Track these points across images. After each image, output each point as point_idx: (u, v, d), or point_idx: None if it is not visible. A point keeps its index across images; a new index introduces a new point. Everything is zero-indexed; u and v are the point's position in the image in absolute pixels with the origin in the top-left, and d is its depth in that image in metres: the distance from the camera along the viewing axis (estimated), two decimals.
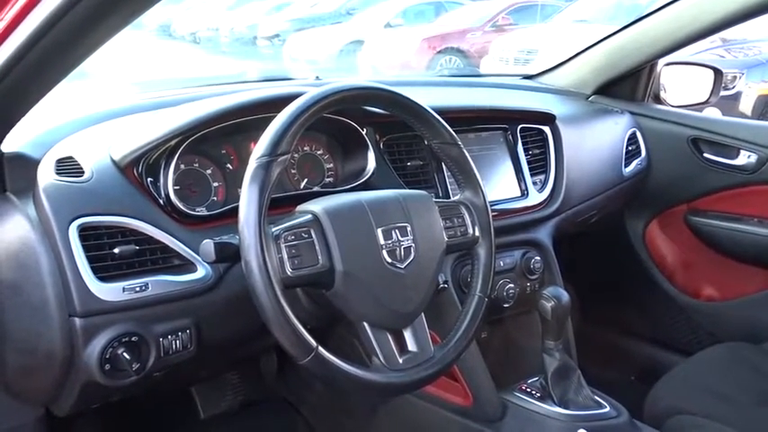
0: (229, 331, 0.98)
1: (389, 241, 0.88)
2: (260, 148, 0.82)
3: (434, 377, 0.89)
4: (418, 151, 1.26)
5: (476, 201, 1.00)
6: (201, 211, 0.99)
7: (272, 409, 1.56)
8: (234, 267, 0.95)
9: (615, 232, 1.88)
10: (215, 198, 1.05)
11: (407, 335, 0.90)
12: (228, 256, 0.82)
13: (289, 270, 0.80)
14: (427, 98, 1.02)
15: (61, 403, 0.94)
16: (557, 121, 1.47)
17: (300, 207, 0.89)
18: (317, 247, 0.83)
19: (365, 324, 0.86)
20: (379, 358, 0.86)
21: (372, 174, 1.16)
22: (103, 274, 0.85)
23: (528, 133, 1.42)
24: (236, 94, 1.04)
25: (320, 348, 0.79)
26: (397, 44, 8.10)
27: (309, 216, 0.85)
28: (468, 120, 1.34)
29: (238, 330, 0.99)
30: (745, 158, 1.67)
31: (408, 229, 0.90)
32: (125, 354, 0.85)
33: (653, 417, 1.26)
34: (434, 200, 0.98)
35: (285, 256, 0.80)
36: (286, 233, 0.81)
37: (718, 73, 1.88)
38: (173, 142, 0.95)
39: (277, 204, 0.97)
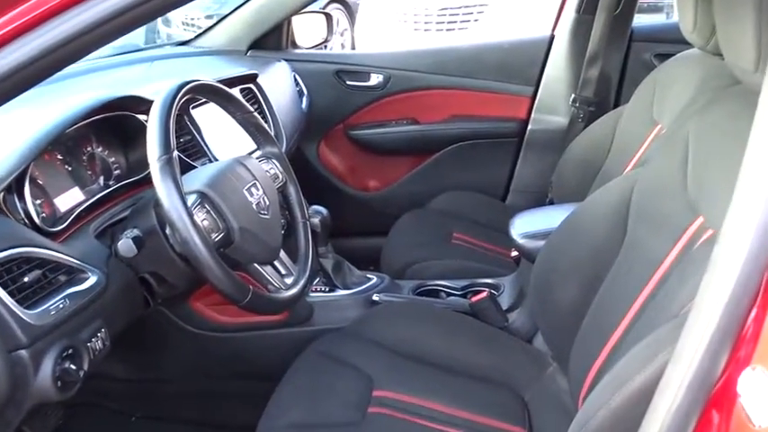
0: (123, 319, 1.08)
1: (252, 197, 1.10)
2: (154, 150, 0.95)
3: (310, 282, 1.18)
4: (183, 127, 1.42)
5: (276, 152, 1.27)
6: (59, 225, 1.04)
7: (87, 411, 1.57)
8: (113, 266, 1.04)
9: (297, 157, 2.28)
10: (45, 214, 1.08)
11: (278, 264, 1.16)
12: (143, 244, 0.96)
13: (210, 239, 0.98)
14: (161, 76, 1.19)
15: None
16: (258, 78, 1.76)
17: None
18: (215, 216, 1.02)
19: (255, 265, 1.09)
20: (273, 285, 1.11)
21: None
22: (27, 303, 0.88)
23: (244, 93, 1.69)
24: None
25: (252, 288, 1.01)
26: None
27: (197, 195, 1.02)
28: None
29: (128, 317, 1.09)
30: (375, 79, 2.23)
31: (258, 184, 1.13)
32: (71, 365, 0.91)
33: (394, 273, 1.75)
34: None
35: (203, 228, 0.97)
36: (194, 211, 0.98)
37: (328, 17, 2.39)
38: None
39: (96, 207, 1.10)
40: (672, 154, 1.06)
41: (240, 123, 1.27)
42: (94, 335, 0.97)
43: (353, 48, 6.10)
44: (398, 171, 2.31)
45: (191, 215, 0.94)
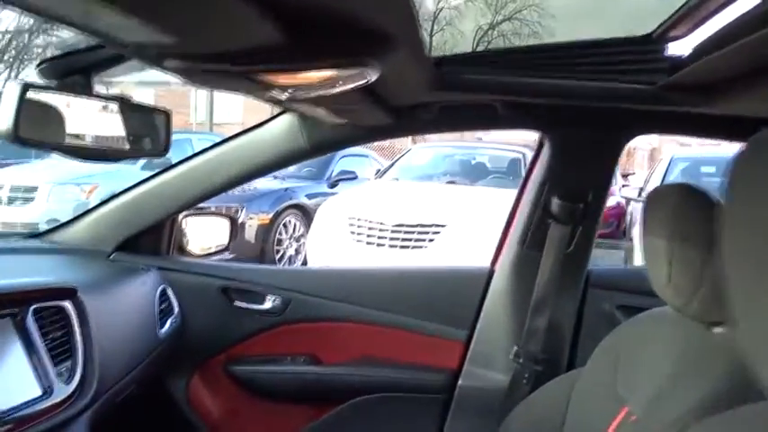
0: None
1: None
2: None
3: None
4: None
5: None
6: None
7: None
8: None
9: (157, 397, 1.72)
10: None
11: None
12: None
13: None
14: None
15: None
16: (78, 294, 1.27)
17: None
18: None
19: None
20: None
21: None
22: None
23: (44, 314, 1.18)
24: None
25: None
26: None
27: None
28: None
29: None
30: (270, 302, 1.76)
31: None
32: None
33: None
34: None
35: None
36: None
37: (233, 221, 1.99)
38: None
39: None
40: None
41: None
42: None
43: (305, 259, 5.73)
44: (290, 424, 1.75)
45: None
